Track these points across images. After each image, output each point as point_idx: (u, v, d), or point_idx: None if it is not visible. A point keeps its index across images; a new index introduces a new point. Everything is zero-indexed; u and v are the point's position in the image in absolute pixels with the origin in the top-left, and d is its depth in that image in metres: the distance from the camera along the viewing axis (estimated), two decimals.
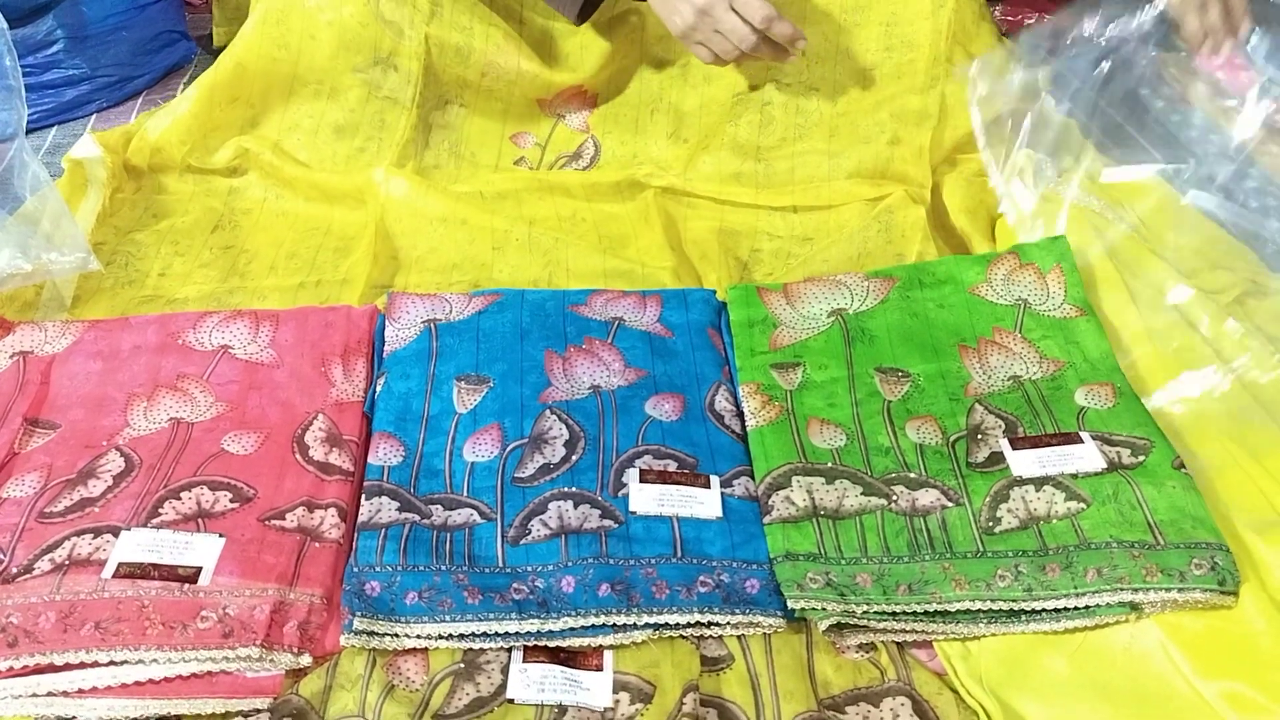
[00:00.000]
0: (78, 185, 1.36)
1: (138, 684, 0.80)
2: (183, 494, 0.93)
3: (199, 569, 0.86)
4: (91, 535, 0.88)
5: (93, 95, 1.66)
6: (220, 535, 0.89)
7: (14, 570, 0.86)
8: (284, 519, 0.92)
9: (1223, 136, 1.52)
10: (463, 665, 0.83)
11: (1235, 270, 1.18)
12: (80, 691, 0.80)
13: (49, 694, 0.79)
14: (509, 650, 0.84)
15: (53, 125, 1.64)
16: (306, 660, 0.83)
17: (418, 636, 0.84)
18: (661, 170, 1.42)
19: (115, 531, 0.88)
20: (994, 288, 1.13)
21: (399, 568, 0.87)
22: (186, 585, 0.84)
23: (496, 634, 0.84)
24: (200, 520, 0.90)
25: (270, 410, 1.03)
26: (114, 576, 0.85)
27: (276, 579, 0.86)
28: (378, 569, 0.87)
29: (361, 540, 0.90)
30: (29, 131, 1.61)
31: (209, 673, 0.81)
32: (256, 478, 0.95)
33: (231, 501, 0.93)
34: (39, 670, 0.80)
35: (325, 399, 1.04)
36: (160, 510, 0.91)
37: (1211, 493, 0.92)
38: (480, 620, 0.84)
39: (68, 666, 0.80)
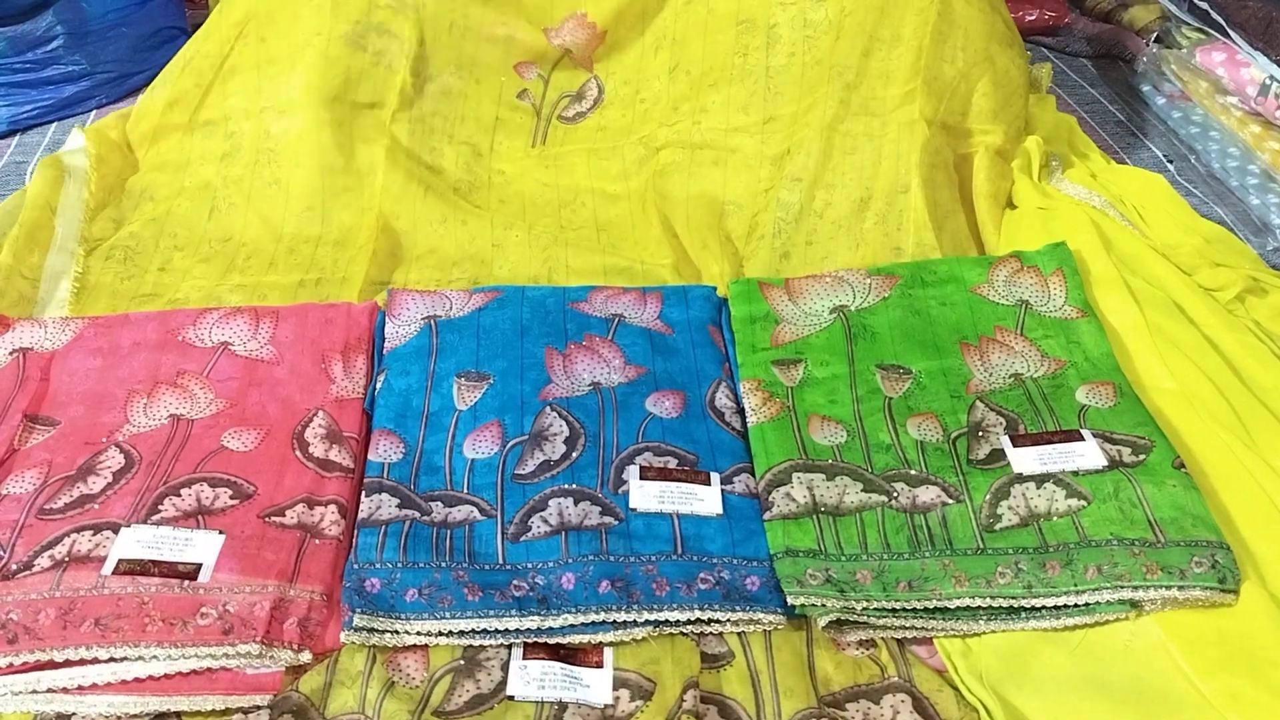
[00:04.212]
0: (51, 181, 1.33)
1: (137, 680, 0.80)
2: (183, 490, 0.93)
3: (199, 565, 0.86)
4: (91, 532, 0.88)
5: (92, 91, 1.66)
6: (220, 532, 0.89)
7: (13, 567, 0.86)
8: (284, 515, 0.92)
9: (1223, 132, 1.52)
10: (463, 662, 0.83)
11: (1236, 268, 1.18)
12: (80, 688, 0.80)
13: (49, 690, 0.80)
14: (509, 647, 0.84)
15: (52, 121, 1.63)
16: (306, 657, 0.83)
17: (418, 633, 0.84)
18: (670, 114, 1.40)
19: (115, 528, 0.88)
20: (995, 288, 1.13)
21: (399, 564, 0.87)
22: (186, 582, 0.84)
23: (496, 631, 0.84)
24: (200, 517, 0.90)
25: (270, 407, 1.02)
26: (114, 573, 0.85)
27: (276, 575, 0.86)
28: (378, 566, 0.87)
29: (362, 537, 0.89)
30: (28, 128, 1.61)
31: (209, 669, 0.81)
32: (256, 474, 0.95)
33: (231, 498, 0.93)
34: (39, 667, 0.80)
35: (325, 395, 1.04)
36: (160, 507, 0.91)
37: (1211, 490, 0.92)
38: (480, 617, 0.84)
39: (68, 663, 0.80)
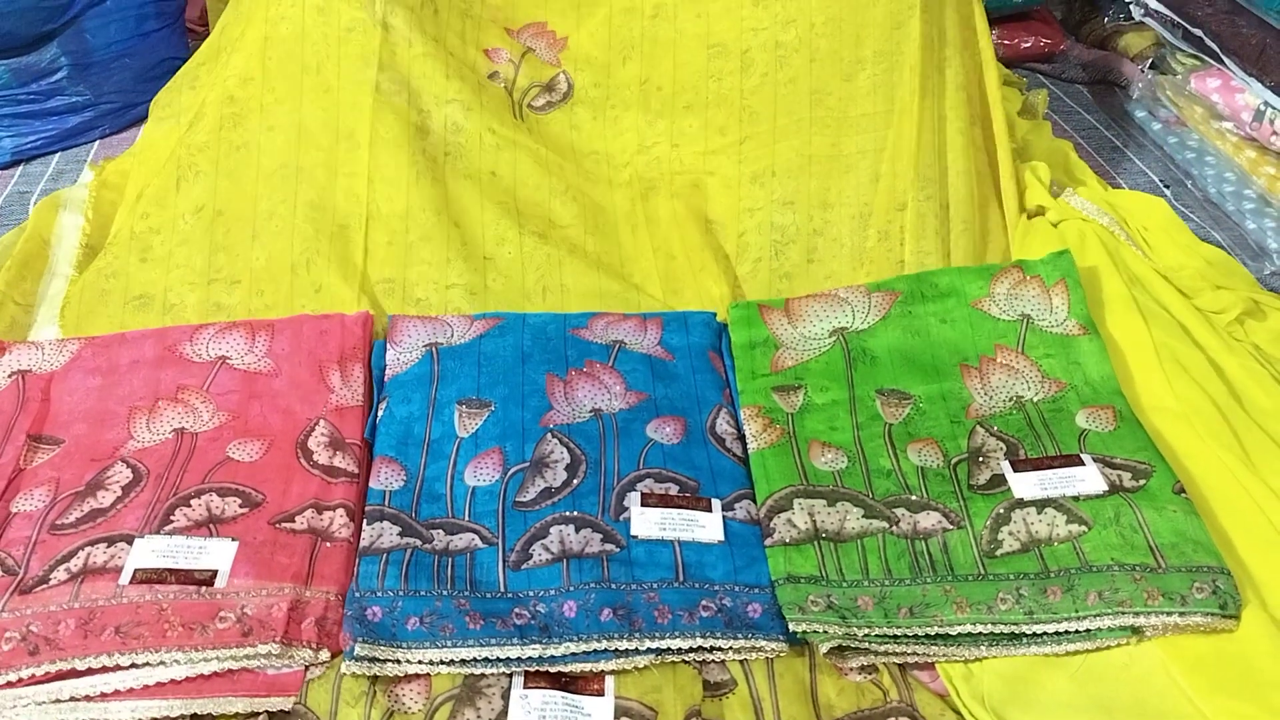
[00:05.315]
0: (48, 219, 1.34)
1: (160, 685, 0.81)
2: (193, 501, 0.94)
3: (215, 572, 0.87)
4: (105, 544, 0.89)
5: (96, 122, 1.67)
6: (233, 539, 0.90)
7: (30, 582, 0.87)
8: (294, 521, 0.93)
9: (1219, 157, 1.53)
10: (462, 690, 0.83)
11: (1235, 290, 1.18)
12: (103, 695, 0.81)
13: (71, 699, 0.80)
14: (510, 676, 0.84)
15: (56, 151, 1.64)
16: (325, 655, 0.84)
17: (419, 662, 0.84)
18: (646, 131, 1.39)
19: (129, 539, 0.90)
20: (997, 302, 1.13)
21: (400, 593, 0.87)
22: (204, 588, 0.85)
23: (498, 659, 0.84)
24: (212, 525, 0.92)
25: (272, 418, 1.04)
26: (131, 582, 0.86)
27: (292, 578, 0.87)
28: (379, 594, 0.87)
29: (363, 565, 0.89)
30: (32, 159, 1.62)
31: (230, 671, 0.82)
32: (264, 483, 0.96)
33: (241, 506, 0.94)
34: (61, 676, 0.81)
35: (325, 404, 1.05)
36: (172, 517, 0.92)
37: (1211, 512, 0.92)
38: (482, 645, 0.84)
39: (90, 671, 0.81)
